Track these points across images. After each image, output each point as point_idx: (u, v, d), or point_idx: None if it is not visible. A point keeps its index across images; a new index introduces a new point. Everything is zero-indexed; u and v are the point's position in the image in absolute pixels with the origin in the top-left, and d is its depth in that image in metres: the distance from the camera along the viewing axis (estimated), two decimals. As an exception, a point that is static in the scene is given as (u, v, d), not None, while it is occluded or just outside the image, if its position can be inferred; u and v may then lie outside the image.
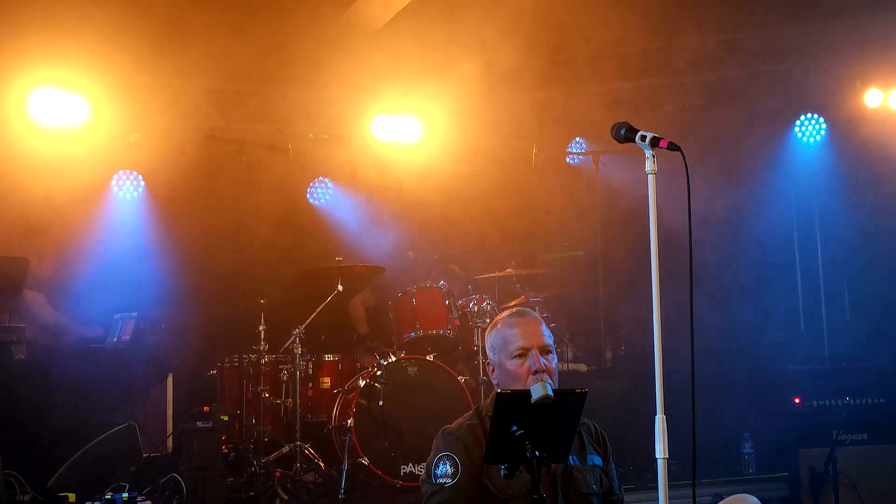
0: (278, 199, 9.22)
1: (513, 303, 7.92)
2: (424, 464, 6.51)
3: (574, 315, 8.82)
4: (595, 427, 3.52)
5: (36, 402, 7.06)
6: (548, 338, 3.34)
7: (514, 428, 2.74)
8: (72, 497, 5.99)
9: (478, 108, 9.88)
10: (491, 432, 2.78)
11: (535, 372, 3.22)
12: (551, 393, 2.71)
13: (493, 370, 3.40)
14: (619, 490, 3.53)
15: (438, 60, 8.62)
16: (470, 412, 3.44)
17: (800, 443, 7.52)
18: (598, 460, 3.43)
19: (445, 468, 3.21)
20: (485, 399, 7.14)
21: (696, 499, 6.68)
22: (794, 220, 8.98)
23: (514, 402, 2.73)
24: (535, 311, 3.52)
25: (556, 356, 3.37)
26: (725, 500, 3.21)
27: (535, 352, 3.27)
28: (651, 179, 3.22)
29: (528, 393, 2.73)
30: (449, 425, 3.36)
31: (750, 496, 3.23)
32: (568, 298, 8.87)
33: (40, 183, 8.41)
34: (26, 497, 6.10)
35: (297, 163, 9.28)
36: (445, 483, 3.19)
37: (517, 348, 3.29)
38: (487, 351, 3.45)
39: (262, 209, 8.38)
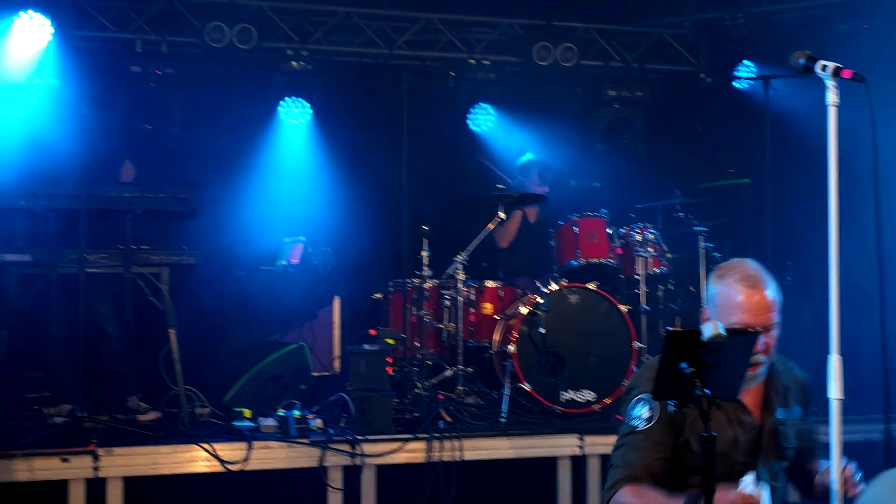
0: (440, 125, 9.29)
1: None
2: (585, 391, 6.65)
3: (739, 244, 8.61)
4: (799, 376, 3.43)
5: (212, 323, 7.44)
6: (775, 315, 3.19)
7: (684, 365, 2.73)
8: (247, 412, 6.28)
9: (638, 31, 9.69)
10: (660, 369, 2.77)
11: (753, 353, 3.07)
12: (723, 332, 2.68)
13: (708, 319, 3.22)
14: (816, 438, 3.45)
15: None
16: None
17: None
18: (798, 412, 3.36)
19: (642, 411, 3.15)
20: (647, 328, 7.14)
21: (865, 435, 6.53)
22: None
23: (684, 340, 2.72)
24: (762, 275, 3.28)
25: (779, 327, 3.21)
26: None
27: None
28: (832, 111, 3.10)
29: (699, 331, 2.70)
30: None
31: None
32: (733, 227, 8.65)
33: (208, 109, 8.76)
34: (205, 410, 6.42)
35: (459, 89, 9.34)
36: (638, 426, 3.14)
37: (738, 322, 3.12)
38: (708, 298, 3.29)
39: (424, 136, 8.45)
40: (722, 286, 3.22)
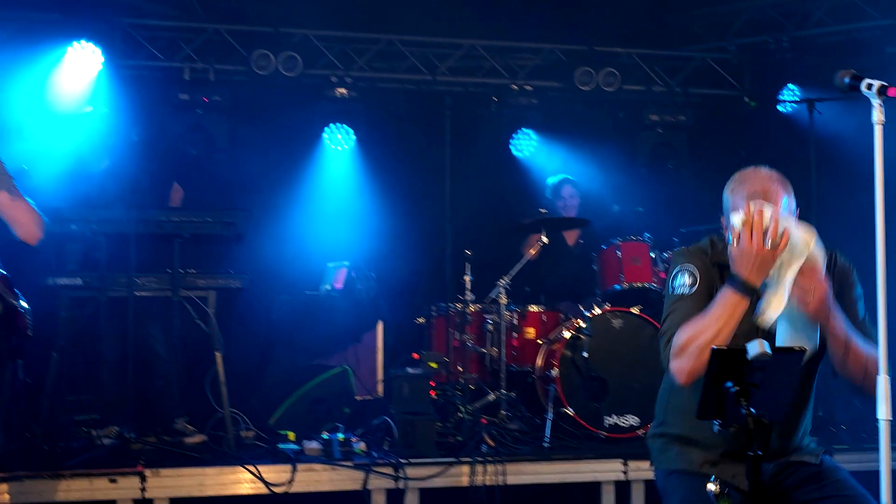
0: (483, 151, 9.33)
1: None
2: (628, 416, 6.61)
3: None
4: (837, 260, 3.39)
5: (257, 346, 7.51)
6: (784, 201, 3.19)
7: (729, 384, 2.71)
8: (291, 435, 6.34)
9: (681, 55, 9.67)
10: (704, 388, 2.76)
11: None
12: (769, 350, 2.67)
13: (726, 228, 3.31)
14: (864, 316, 3.36)
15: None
16: (705, 238, 3.45)
17: None
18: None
19: (683, 278, 3.24)
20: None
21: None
22: None
23: (729, 358, 2.71)
24: (770, 190, 3.24)
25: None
26: None
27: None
28: (878, 130, 3.09)
29: (744, 350, 2.69)
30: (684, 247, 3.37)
31: None
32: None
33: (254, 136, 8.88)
34: (250, 433, 6.47)
35: (501, 114, 9.39)
36: (683, 293, 3.21)
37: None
38: (723, 208, 3.35)
39: (466, 161, 8.50)
40: (733, 200, 3.27)
